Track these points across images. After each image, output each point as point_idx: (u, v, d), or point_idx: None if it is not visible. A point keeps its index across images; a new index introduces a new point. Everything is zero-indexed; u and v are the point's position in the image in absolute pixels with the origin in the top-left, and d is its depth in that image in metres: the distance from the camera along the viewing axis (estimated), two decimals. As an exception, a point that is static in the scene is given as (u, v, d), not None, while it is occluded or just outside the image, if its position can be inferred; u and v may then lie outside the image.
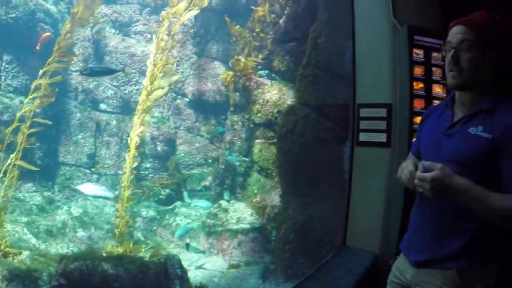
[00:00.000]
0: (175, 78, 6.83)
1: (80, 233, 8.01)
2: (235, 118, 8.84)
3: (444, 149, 2.05)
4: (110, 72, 8.18)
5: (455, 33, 2.01)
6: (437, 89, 3.34)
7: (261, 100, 7.89)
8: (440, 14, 3.42)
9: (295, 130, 5.83)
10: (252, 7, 8.57)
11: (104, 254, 6.20)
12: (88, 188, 7.99)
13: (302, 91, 6.01)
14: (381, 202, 3.49)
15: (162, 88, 6.35)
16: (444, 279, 1.98)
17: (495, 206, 1.80)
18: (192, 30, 9.87)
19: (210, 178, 9.14)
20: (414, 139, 2.57)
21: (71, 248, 7.65)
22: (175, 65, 9.28)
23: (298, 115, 5.86)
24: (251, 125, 8.15)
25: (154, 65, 6.47)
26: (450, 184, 1.85)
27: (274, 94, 7.82)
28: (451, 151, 2.01)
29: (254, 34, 8.48)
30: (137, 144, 6.64)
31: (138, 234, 8.24)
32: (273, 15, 8.20)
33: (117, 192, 7.81)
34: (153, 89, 6.39)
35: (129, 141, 6.70)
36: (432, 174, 1.87)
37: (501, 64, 2.03)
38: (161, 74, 6.37)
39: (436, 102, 3.30)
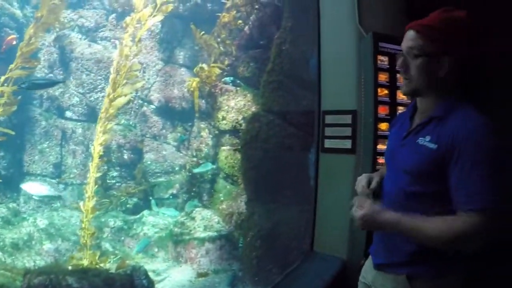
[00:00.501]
0: (138, 85, 6.77)
1: (47, 245, 7.82)
2: (202, 125, 8.77)
3: (398, 160, 2.03)
4: (51, 84, 8.01)
5: (406, 39, 1.95)
6: (402, 95, 3.34)
7: (226, 107, 7.88)
8: (406, 21, 3.45)
9: (258, 136, 5.81)
10: (219, 14, 8.53)
11: (69, 267, 6.08)
12: (32, 187, 7.73)
13: (266, 98, 6.00)
14: (348, 208, 3.49)
15: (125, 95, 6.25)
16: (396, 283, 2.00)
17: (430, 234, 1.75)
18: (158, 36, 9.73)
19: (177, 185, 9.02)
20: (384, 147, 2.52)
21: (37, 261, 7.47)
22: (141, 71, 9.22)
23: (262, 121, 5.84)
24: (216, 132, 8.11)
25: (117, 72, 6.37)
26: (377, 221, 1.88)
27: (239, 101, 7.84)
28: (403, 162, 1.97)
29: (219, 39, 8.45)
30: (100, 154, 6.52)
31: (106, 245, 8.10)
32: (239, 21, 8.18)
33: (63, 192, 7.66)
34: (116, 96, 6.28)
35: (92, 151, 6.59)
36: (361, 213, 1.91)
37: (465, 66, 1.93)
38: (124, 81, 6.27)
39: (400, 108, 3.33)
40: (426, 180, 1.86)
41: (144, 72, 9.54)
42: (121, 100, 6.33)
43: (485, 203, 1.67)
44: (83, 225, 6.60)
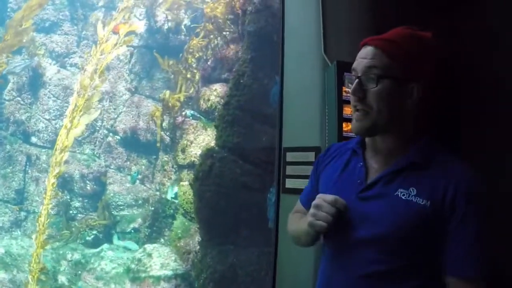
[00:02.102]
0: (93, 115, 6.57)
1: (1, 275, 7.46)
2: (165, 158, 8.58)
3: (358, 221, 1.46)
4: None
5: (362, 57, 1.48)
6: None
7: (185, 141, 7.72)
8: None
9: (211, 173, 5.59)
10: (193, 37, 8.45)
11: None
12: None
13: (221, 132, 5.82)
14: (311, 252, 3.26)
15: (80, 126, 6.08)
16: None
17: None
18: (126, 67, 9.61)
19: (140, 220, 8.76)
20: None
21: (-11, 292, 7.18)
22: (108, 101, 9.09)
23: (215, 157, 5.64)
24: (175, 166, 7.93)
25: (76, 103, 6.22)
26: None
27: (198, 135, 7.71)
28: (372, 224, 1.43)
29: (187, 65, 8.34)
30: (54, 186, 6.31)
31: (63, 279, 7.78)
32: (209, 51, 8.08)
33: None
34: (73, 127, 6.11)
35: (46, 183, 6.39)
36: None
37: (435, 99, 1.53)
38: (81, 112, 6.11)
39: None
40: (407, 248, 1.39)
41: (110, 101, 9.39)
42: (77, 132, 6.13)
43: (489, 274, 1.35)
44: (33, 260, 6.34)
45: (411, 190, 1.39)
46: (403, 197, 1.40)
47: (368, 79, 1.44)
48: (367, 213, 1.44)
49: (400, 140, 1.48)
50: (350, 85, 1.50)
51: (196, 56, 8.21)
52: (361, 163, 1.53)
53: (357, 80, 1.46)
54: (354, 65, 1.50)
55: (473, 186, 1.37)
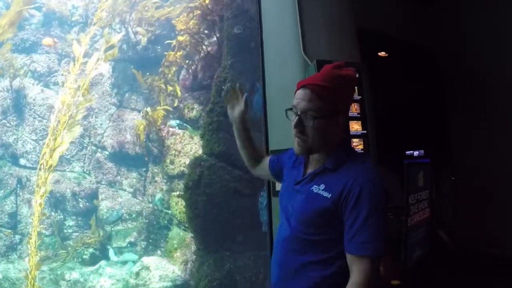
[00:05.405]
0: (76, 133, 6.48)
1: (-1, 300, 7.46)
2: (155, 170, 8.51)
3: (291, 205, 1.98)
4: None
5: (300, 98, 1.88)
6: (356, 126, 3.13)
7: (174, 151, 7.64)
8: (356, 47, 3.35)
9: (201, 181, 5.57)
10: (165, 52, 8.38)
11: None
12: None
13: (207, 140, 5.80)
14: None
15: (63, 144, 6.00)
16: None
17: None
18: (109, 81, 9.55)
19: (135, 233, 8.70)
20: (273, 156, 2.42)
21: (-12, 318, 7.14)
22: (93, 117, 9.02)
23: (203, 165, 5.62)
24: (165, 177, 7.87)
25: (58, 121, 6.14)
26: None
27: (186, 144, 7.65)
28: (297, 209, 1.93)
29: (166, 80, 8.30)
30: (42, 206, 6.22)
31: (62, 300, 7.72)
32: (186, 61, 8.03)
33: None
34: (56, 146, 6.03)
35: (33, 203, 6.30)
36: None
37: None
38: (65, 130, 6.03)
39: (355, 140, 3.12)
40: (317, 228, 1.85)
41: (96, 117, 9.34)
42: (61, 150, 6.05)
43: (377, 251, 1.73)
44: (28, 283, 6.25)
45: (321, 186, 1.87)
46: (314, 191, 1.87)
47: (305, 118, 1.86)
48: (297, 201, 1.94)
49: (324, 154, 1.93)
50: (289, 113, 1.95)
51: (174, 69, 8.18)
52: (303, 165, 2.04)
53: (297, 117, 1.88)
54: (294, 103, 1.91)
55: (365, 184, 1.76)
